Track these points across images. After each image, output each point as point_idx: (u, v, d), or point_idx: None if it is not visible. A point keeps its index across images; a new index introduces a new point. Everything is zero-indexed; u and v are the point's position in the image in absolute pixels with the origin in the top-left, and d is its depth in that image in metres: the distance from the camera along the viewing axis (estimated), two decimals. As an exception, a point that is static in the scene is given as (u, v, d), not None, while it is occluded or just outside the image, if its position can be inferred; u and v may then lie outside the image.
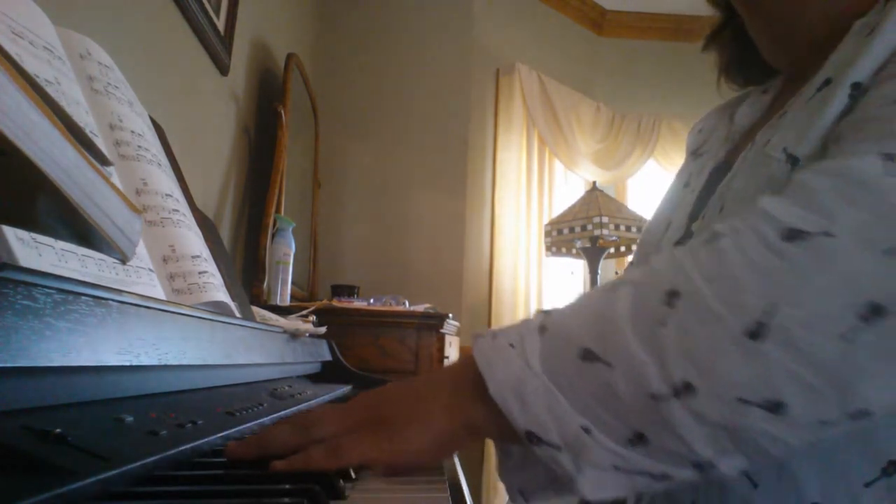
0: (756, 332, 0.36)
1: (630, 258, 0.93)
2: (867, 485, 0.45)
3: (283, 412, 0.66)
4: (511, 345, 0.43)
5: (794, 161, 0.50)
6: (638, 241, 0.83)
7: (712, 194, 0.60)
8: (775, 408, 0.36)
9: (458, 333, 2.17)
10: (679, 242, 0.63)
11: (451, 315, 1.83)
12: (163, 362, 0.46)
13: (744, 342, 0.36)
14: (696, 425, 0.37)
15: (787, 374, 0.36)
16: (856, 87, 0.48)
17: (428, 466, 0.48)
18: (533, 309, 2.92)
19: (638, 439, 0.39)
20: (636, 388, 0.38)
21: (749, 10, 0.65)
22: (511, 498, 0.52)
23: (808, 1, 0.59)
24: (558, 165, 3.16)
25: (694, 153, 0.75)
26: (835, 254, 0.37)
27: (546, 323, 0.44)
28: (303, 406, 0.75)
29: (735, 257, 0.39)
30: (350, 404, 0.49)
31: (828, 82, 0.50)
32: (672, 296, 0.39)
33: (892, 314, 0.35)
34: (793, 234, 0.38)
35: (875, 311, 0.35)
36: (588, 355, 0.40)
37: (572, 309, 0.44)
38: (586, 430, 0.39)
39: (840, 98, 0.48)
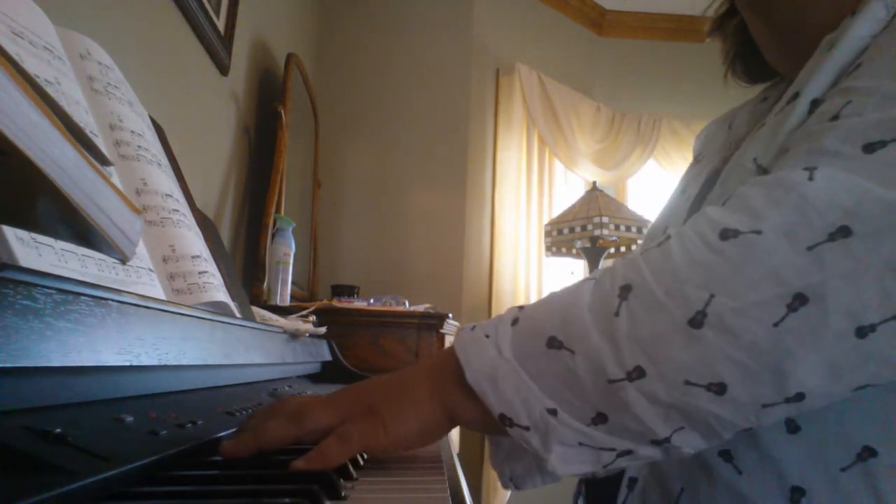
0: (697, 321, 0.40)
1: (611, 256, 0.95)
2: (843, 469, 0.47)
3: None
4: (486, 335, 0.47)
5: (762, 171, 0.53)
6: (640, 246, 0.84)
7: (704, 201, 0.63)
8: (719, 389, 0.40)
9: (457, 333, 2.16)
10: None
11: (450, 315, 1.84)
12: (163, 362, 0.46)
13: (686, 329, 0.40)
14: (650, 405, 0.41)
15: (726, 359, 0.40)
16: (814, 102, 0.51)
17: (414, 450, 0.51)
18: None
19: (600, 418, 0.43)
20: (595, 372, 0.42)
21: (753, 13, 0.65)
22: (503, 485, 0.58)
23: (808, 9, 0.60)
24: (558, 165, 3.16)
25: (695, 160, 0.77)
26: (763, 249, 0.40)
27: (519, 315, 0.48)
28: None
29: (679, 255, 0.43)
30: (335, 395, 0.51)
31: (796, 95, 0.53)
32: (625, 289, 0.43)
33: (814, 303, 0.39)
34: (727, 233, 0.42)
35: (800, 300, 0.39)
36: (553, 343, 0.44)
37: (543, 303, 0.48)
38: (552, 412, 0.43)
39: (799, 112, 0.52)
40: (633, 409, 0.42)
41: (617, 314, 0.42)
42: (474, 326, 0.49)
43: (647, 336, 0.41)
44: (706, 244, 0.42)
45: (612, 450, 0.44)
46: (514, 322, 0.47)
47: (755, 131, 0.59)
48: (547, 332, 0.45)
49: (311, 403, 0.50)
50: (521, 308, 0.49)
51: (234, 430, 0.51)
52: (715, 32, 0.76)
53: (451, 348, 0.48)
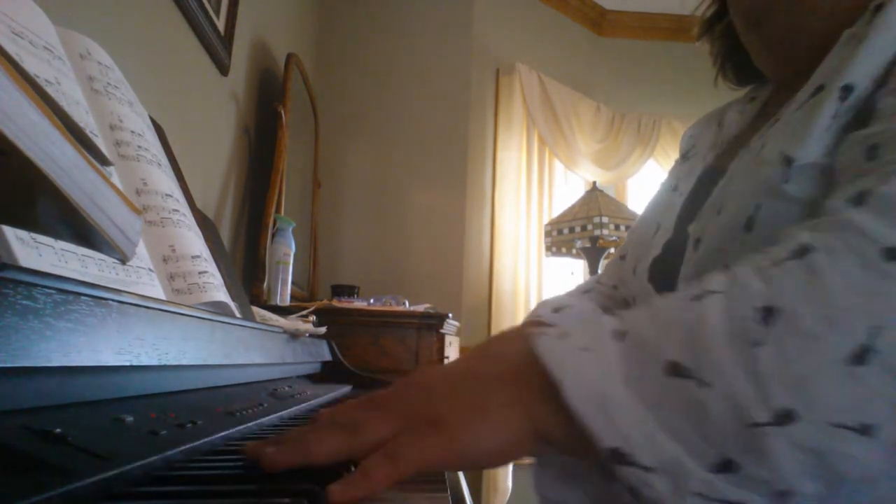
0: (859, 357, 0.35)
1: (611, 256, 0.94)
2: None
3: (283, 412, 0.66)
4: (584, 349, 0.40)
5: (788, 161, 0.51)
6: (626, 239, 0.84)
7: (702, 197, 0.62)
8: (868, 430, 0.35)
9: (458, 333, 2.17)
10: (668, 244, 0.65)
11: (450, 315, 1.84)
12: (163, 362, 0.46)
13: (846, 366, 0.35)
14: (793, 453, 0.35)
15: (888, 400, 0.35)
16: (845, 89, 0.50)
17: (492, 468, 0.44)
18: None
19: (726, 466, 0.36)
20: (733, 413, 0.36)
21: (747, 27, 0.66)
22: None
23: (802, 23, 0.61)
24: (558, 165, 3.16)
25: (683, 157, 0.77)
26: None
27: (622, 328, 0.41)
28: (303, 406, 0.75)
29: (833, 276, 0.37)
30: (392, 398, 0.43)
31: (821, 88, 0.53)
32: (768, 313, 0.37)
33: None
34: (894, 254, 0.36)
35: None
36: (676, 370, 0.37)
37: (648, 315, 0.41)
38: (677, 454, 0.37)
39: (832, 101, 0.51)
40: (773, 457, 0.35)
41: (760, 344, 0.36)
42: (563, 334, 0.41)
43: (800, 373, 0.35)
44: (868, 266, 0.37)
45: (725, 502, 0.37)
46: (618, 336, 0.40)
47: (766, 128, 0.58)
48: (666, 354, 0.38)
49: (363, 410, 0.43)
50: (619, 317, 0.42)
51: (233, 430, 0.51)
52: (704, 35, 0.77)
53: (532, 350, 0.41)
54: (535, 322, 0.75)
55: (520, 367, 0.41)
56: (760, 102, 0.71)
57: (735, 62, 0.75)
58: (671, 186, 0.72)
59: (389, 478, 0.37)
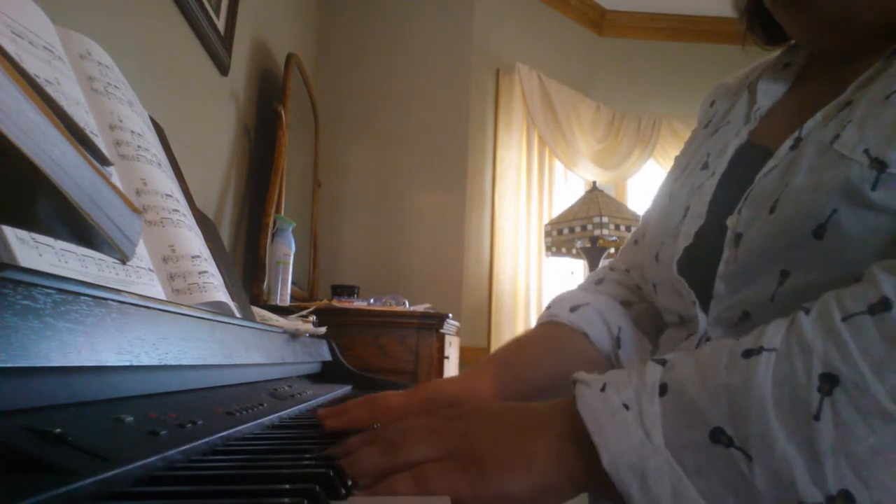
0: None
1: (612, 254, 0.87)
2: None
3: (283, 412, 0.66)
4: (625, 405, 0.38)
5: (880, 166, 0.43)
6: (644, 222, 0.77)
7: (741, 181, 0.54)
8: None
9: (457, 333, 2.17)
10: (701, 232, 0.57)
11: (450, 315, 1.84)
12: (163, 362, 0.46)
13: None
14: None
15: None
16: None
17: None
18: (533, 309, 2.92)
19: None
20: (780, 489, 0.33)
21: (787, 8, 0.57)
22: None
23: (860, 6, 0.53)
24: (558, 165, 3.16)
25: (707, 128, 0.68)
26: None
27: (667, 380, 0.39)
28: (303, 406, 0.75)
29: None
30: (442, 425, 0.44)
31: None
32: (828, 381, 0.33)
33: None
34: None
35: None
36: (720, 437, 0.35)
37: (697, 372, 0.38)
38: None
39: None
40: None
41: (818, 418, 0.33)
42: (604, 386, 0.40)
43: (863, 453, 0.32)
44: None
45: None
46: (662, 391, 0.38)
47: (831, 110, 0.50)
48: (710, 420, 0.35)
49: (416, 429, 0.43)
50: (667, 367, 0.40)
51: (233, 430, 0.51)
52: None
53: (573, 404, 0.40)
54: (553, 323, 0.72)
55: (560, 417, 0.41)
56: (797, 69, 0.63)
57: (764, 20, 0.65)
58: (700, 163, 0.63)
59: (409, 494, 0.38)
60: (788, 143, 0.52)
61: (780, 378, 0.35)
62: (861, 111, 0.47)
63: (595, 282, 0.79)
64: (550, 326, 0.73)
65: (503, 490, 0.38)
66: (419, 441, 0.42)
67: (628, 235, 2.59)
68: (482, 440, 0.41)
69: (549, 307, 0.75)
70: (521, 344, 0.73)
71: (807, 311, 0.38)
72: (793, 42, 0.66)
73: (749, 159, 0.56)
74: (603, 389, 0.39)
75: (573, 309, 0.72)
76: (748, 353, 0.37)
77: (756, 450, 0.34)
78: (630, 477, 0.36)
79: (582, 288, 0.79)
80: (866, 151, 0.44)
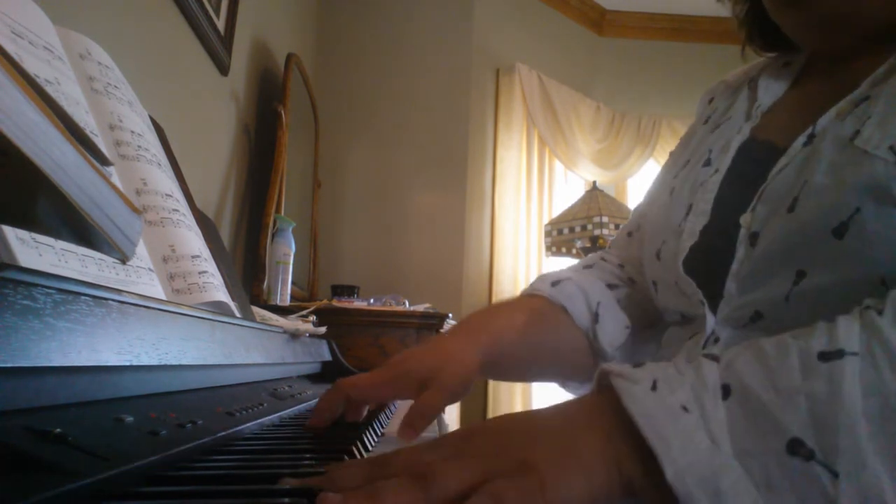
0: None
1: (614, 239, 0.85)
2: None
3: (283, 412, 0.66)
4: (684, 407, 0.34)
5: None
6: (638, 215, 0.76)
7: (750, 178, 0.53)
8: None
9: (458, 333, 2.16)
10: (706, 230, 0.56)
11: (451, 315, 1.84)
12: (163, 362, 0.46)
13: None
14: None
15: None
16: None
17: None
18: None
19: None
20: None
21: (784, 4, 0.56)
22: None
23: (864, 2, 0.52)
24: (558, 165, 3.16)
25: (706, 124, 0.68)
26: None
27: (729, 381, 0.35)
28: (303, 406, 0.75)
29: None
30: (471, 442, 0.38)
31: None
32: None
33: None
34: None
35: None
36: (798, 449, 0.32)
37: (763, 369, 0.35)
38: None
39: None
40: None
41: None
42: (655, 382, 0.35)
43: None
44: None
45: None
46: (726, 394, 0.34)
47: (845, 105, 0.49)
48: (788, 429, 0.32)
49: (446, 455, 0.36)
50: (726, 365, 0.36)
51: (233, 430, 0.51)
52: None
53: (621, 404, 0.35)
54: (531, 296, 0.69)
55: (611, 419, 0.36)
56: (798, 67, 0.63)
57: (763, 28, 0.65)
58: (701, 160, 0.62)
59: None
60: (801, 139, 0.50)
61: (871, 387, 0.32)
62: (881, 107, 0.45)
63: (584, 265, 0.77)
64: (529, 298, 0.72)
65: (563, 494, 0.34)
66: (455, 465, 0.35)
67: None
68: (527, 447, 0.36)
69: (533, 283, 0.73)
70: (496, 309, 0.72)
71: (879, 312, 0.35)
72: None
73: (754, 156, 0.55)
74: (654, 387, 0.35)
75: (554, 283, 0.71)
76: (826, 357, 0.34)
77: (844, 467, 0.31)
78: (701, 493, 0.32)
79: (570, 268, 0.78)
80: (891, 148, 0.42)
